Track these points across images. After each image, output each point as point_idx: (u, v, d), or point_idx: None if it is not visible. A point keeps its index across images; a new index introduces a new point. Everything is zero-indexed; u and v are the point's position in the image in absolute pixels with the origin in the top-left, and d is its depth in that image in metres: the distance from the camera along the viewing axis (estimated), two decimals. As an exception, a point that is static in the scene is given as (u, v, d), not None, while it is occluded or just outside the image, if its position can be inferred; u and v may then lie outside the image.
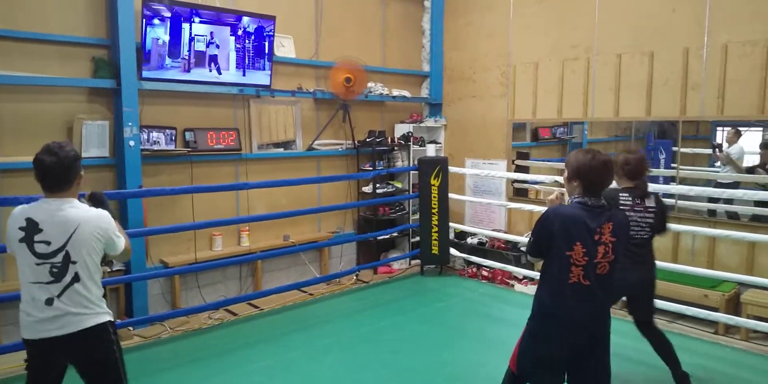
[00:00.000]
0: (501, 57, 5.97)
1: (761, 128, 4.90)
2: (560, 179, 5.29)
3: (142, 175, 4.26)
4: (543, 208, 4.66)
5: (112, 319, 2.30)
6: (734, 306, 4.24)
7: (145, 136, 4.41)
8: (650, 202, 3.11)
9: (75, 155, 2.23)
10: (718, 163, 5.01)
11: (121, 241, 2.30)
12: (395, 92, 6.21)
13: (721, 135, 5.06)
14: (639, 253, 3.09)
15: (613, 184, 3.45)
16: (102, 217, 2.26)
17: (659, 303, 3.29)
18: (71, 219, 2.17)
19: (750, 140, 4.95)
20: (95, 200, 2.42)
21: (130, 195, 4.05)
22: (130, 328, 4.11)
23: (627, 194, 3.09)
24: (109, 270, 4.07)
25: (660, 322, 4.11)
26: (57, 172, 2.16)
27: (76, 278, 2.17)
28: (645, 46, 4.86)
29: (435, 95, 6.60)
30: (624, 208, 3.05)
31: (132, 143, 4.20)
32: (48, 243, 2.15)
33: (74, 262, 2.16)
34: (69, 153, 2.20)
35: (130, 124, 4.18)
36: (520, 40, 5.80)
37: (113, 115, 4.27)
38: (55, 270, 2.15)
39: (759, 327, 3.83)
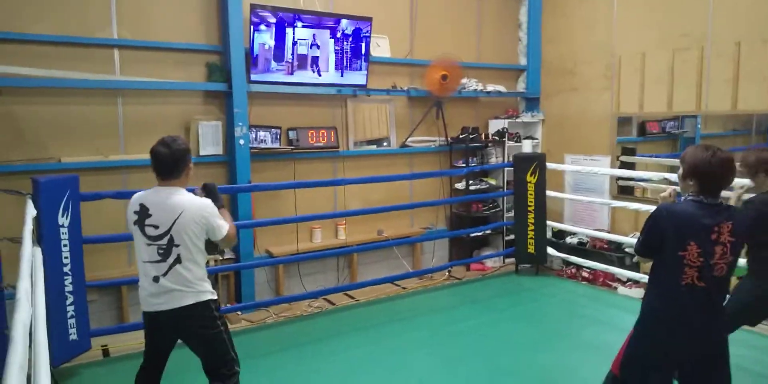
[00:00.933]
0: (604, 48, 5.70)
1: None
2: (670, 176, 4.96)
3: (250, 172, 4.56)
4: (651, 207, 4.42)
5: (215, 298, 2.49)
6: None
7: (253, 135, 4.70)
8: None
9: (185, 148, 2.47)
10: None
11: (224, 229, 2.48)
12: (490, 87, 6.14)
13: None
14: None
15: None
16: (205, 206, 2.45)
17: None
18: (177, 206, 2.39)
19: None
20: (207, 190, 2.65)
21: (240, 190, 4.37)
22: (239, 313, 4.43)
23: None
24: (220, 258, 4.42)
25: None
26: (168, 162, 2.41)
27: (178, 260, 2.39)
28: (765, 32, 4.43)
29: (532, 89, 6.44)
30: None
31: (242, 142, 4.51)
32: (156, 227, 2.40)
33: (177, 245, 2.39)
34: (180, 146, 2.44)
35: (240, 124, 4.49)
36: (625, 30, 5.50)
37: (225, 116, 4.60)
38: (161, 251, 2.39)
39: None
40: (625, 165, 5.60)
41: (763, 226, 2.82)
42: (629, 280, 5.00)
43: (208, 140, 4.52)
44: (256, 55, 4.56)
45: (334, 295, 4.87)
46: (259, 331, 4.23)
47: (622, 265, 5.14)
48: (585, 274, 5.40)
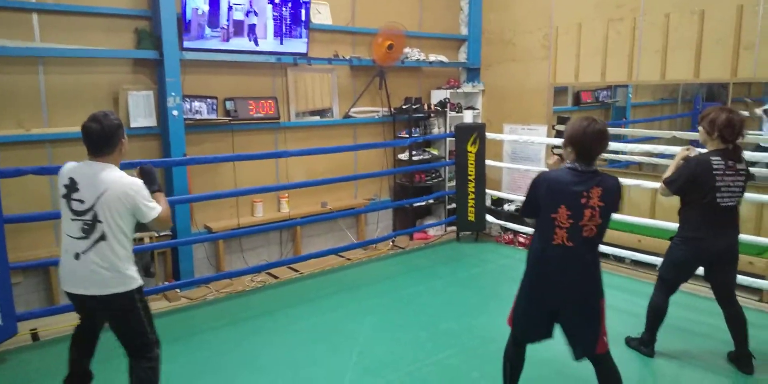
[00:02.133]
0: (543, 18, 5.77)
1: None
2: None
3: (186, 144, 4.40)
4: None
5: (141, 283, 2.44)
6: (781, 274, 4.13)
7: (188, 106, 4.52)
8: (741, 165, 2.96)
9: (118, 124, 2.41)
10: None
11: (153, 211, 2.41)
12: (432, 57, 6.12)
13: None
14: (728, 219, 2.98)
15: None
16: (131, 184, 2.37)
17: (700, 270, 3.22)
18: (103, 182, 2.32)
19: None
20: (143, 173, 2.58)
21: (175, 163, 4.21)
22: (178, 290, 4.34)
23: (719, 157, 2.91)
24: (156, 235, 4.28)
25: (700, 289, 4.07)
26: (100, 138, 2.34)
27: (102, 237, 2.32)
28: (695, 4, 4.61)
29: (473, 60, 6.47)
30: (717, 173, 2.89)
31: (175, 113, 4.32)
32: (81, 201, 2.33)
33: (100, 222, 2.32)
34: (113, 121, 2.38)
35: (173, 94, 4.29)
36: (563, 0, 5.57)
37: (157, 86, 4.38)
38: (85, 227, 2.32)
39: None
40: (560, 134, 5.77)
41: (693, 185, 2.95)
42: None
43: (140, 111, 4.30)
44: (189, 20, 4.33)
45: (277, 269, 4.84)
46: (199, 307, 4.17)
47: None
48: (521, 240, 5.62)
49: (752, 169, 4.43)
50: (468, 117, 6.23)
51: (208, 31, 4.46)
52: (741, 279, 3.90)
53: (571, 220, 2.23)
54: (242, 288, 4.50)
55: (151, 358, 2.46)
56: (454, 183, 5.85)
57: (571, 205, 2.23)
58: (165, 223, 2.51)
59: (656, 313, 3.22)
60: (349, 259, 5.23)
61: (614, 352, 2.47)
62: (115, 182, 2.34)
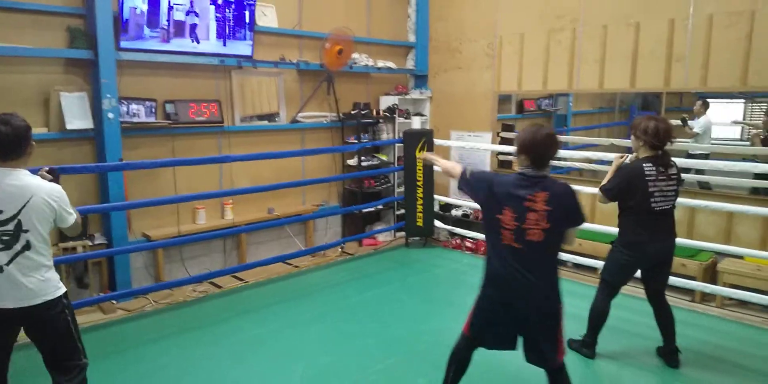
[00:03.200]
0: (487, 28, 5.89)
1: (743, 100, 4.93)
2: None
3: (122, 149, 4.20)
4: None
5: (65, 290, 2.32)
6: (711, 274, 4.35)
7: (125, 109, 4.33)
8: (672, 170, 3.07)
9: (27, 125, 2.26)
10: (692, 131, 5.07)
11: (72, 216, 2.33)
12: (380, 63, 6.13)
13: (695, 107, 5.10)
14: (662, 223, 3.08)
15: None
16: (56, 189, 2.28)
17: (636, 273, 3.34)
18: (25, 189, 2.18)
19: (731, 112, 5.00)
20: (53, 174, 2.43)
21: (110, 168, 4.00)
22: (114, 302, 4.11)
23: (650, 164, 3.02)
24: (90, 244, 4.05)
25: (637, 291, 4.22)
26: (10, 140, 2.18)
27: (27, 246, 2.19)
28: (631, 17, 4.81)
29: (420, 66, 6.53)
30: (649, 179, 2.99)
31: (111, 115, 4.13)
32: (0, 211, 2.16)
33: (26, 231, 2.18)
34: (21, 123, 2.23)
35: (108, 95, 4.10)
36: (507, 10, 5.71)
37: (91, 87, 4.17)
38: (6, 238, 2.17)
39: (734, 295, 3.95)
40: (504, 141, 5.90)
41: (628, 192, 3.05)
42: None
43: (75, 113, 4.08)
44: (126, 19, 4.15)
45: (221, 278, 4.68)
46: (136, 320, 3.97)
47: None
48: (468, 244, 5.68)
49: (686, 175, 4.71)
50: (416, 123, 6.28)
51: (147, 31, 4.30)
52: (674, 280, 4.08)
53: (516, 222, 2.25)
54: (183, 298, 4.32)
55: (80, 368, 2.33)
56: (402, 189, 5.85)
57: (515, 208, 2.25)
58: (79, 228, 2.43)
59: (598, 316, 3.30)
60: (296, 267, 5.13)
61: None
62: (39, 189, 2.21)
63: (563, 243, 2.34)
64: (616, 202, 3.18)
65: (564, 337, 2.39)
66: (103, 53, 4.04)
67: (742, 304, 4.12)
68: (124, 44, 4.18)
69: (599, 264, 4.01)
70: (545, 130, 2.30)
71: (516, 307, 2.31)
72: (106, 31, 4.04)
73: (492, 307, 2.38)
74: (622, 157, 3.31)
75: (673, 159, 3.15)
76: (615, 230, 3.28)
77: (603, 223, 4.62)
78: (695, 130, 5.00)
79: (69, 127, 3.98)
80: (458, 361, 2.55)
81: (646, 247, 3.09)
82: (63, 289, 2.31)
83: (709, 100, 5.06)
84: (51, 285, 2.26)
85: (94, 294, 4.14)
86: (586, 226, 4.54)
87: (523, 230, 2.25)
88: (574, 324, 3.58)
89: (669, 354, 3.26)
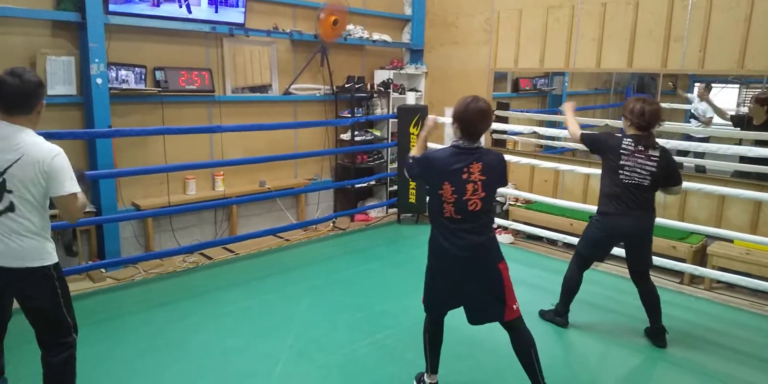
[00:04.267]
0: (485, 2, 5.78)
1: (737, 85, 4.92)
2: (540, 130, 5.29)
3: (111, 115, 4.10)
4: (521, 158, 4.75)
5: (56, 261, 2.21)
6: (701, 257, 4.40)
7: (114, 74, 4.23)
8: (654, 152, 3.09)
9: (39, 81, 2.17)
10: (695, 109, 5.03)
11: (69, 186, 2.13)
12: (375, 36, 6.01)
13: (696, 91, 5.07)
14: (639, 198, 3.10)
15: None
16: (52, 150, 2.11)
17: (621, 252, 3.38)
18: (19, 147, 2.07)
19: (727, 98, 4.98)
20: (83, 180, 2.28)
21: (98, 135, 3.91)
22: (103, 271, 4.08)
23: (631, 140, 3.09)
24: (79, 211, 3.98)
25: (624, 271, 4.27)
26: (19, 94, 2.10)
27: (10, 208, 2.09)
28: (631, -5, 4.75)
29: (416, 41, 6.42)
30: (624, 153, 3.07)
31: (99, 81, 4.02)
32: None
33: (9, 192, 2.08)
34: (33, 78, 2.14)
35: (96, 60, 3.98)
36: (506, -16, 5.61)
37: (79, 51, 4.05)
38: None
39: (723, 277, 3.98)
40: (499, 119, 5.86)
41: (600, 145, 3.20)
42: (499, 226, 5.35)
43: (59, 78, 3.97)
44: (115, -19, 4.01)
45: (211, 249, 4.65)
46: (126, 288, 3.95)
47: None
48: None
49: (681, 159, 4.72)
50: (411, 99, 6.21)
51: (137, -6, 4.16)
52: (664, 262, 4.14)
53: (455, 195, 2.32)
54: (173, 269, 4.30)
55: (66, 345, 2.25)
56: (396, 165, 5.81)
57: (454, 182, 2.32)
58: (75, 212, 2.20)
59: (569, 286, 3.40)
60: (287, 240, 5.11)
61: (533, 325, 2.57)
62: (33, 149, 2.08)
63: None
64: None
65: (513, 291, 2.47)
66: (91, 16, 3.91)
67: (730, 287, 4.17)
68: (112, 7, 4.05)
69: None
70: (479, 103, 2.34)
71: (459, 273, 2.40)
72: (95, -8, 3.90)
73: (437, 280, 2.48)
74: (571, 105, 3.54)
75: (662, 145, 3.18)
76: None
77: (594, 203, 4.63)
78: (708, 115, 4.94)
79: (50, 92, 3.87)
80: (428, 334, 2.63)
81: (615, 220, 3.14)
82: (49, 261, 2.17)
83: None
84: (33, 252, 2.13)
85: (82, 262, 4.09)
86: (578, 205, 4.62)
87: (464, 202, 2.33)
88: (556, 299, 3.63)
89: (655, 334, 3.31)
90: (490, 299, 2.43)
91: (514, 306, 2.45)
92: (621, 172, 3.09)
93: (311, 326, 3.41)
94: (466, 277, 2.40)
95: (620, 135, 3.19)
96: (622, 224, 3.13)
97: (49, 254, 2.19)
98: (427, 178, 2.44)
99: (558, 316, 3.48)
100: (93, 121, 4.02)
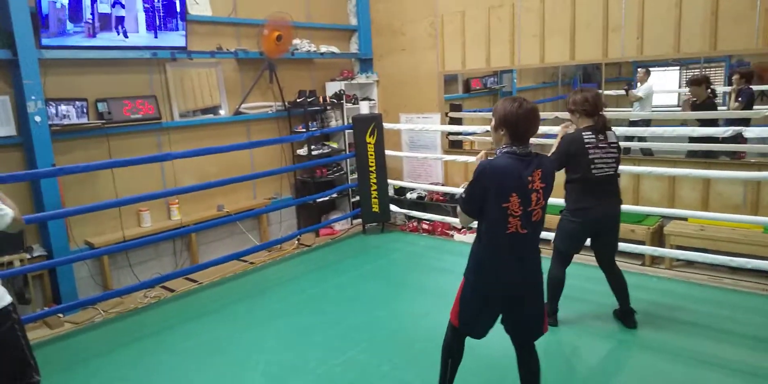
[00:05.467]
0: (428, 7, 5.82)
1: (678, 67, 5.06)
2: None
3: (54, 153, 3.96)
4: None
5: (11, 300, 2.12)
6: (659, 238, 4.49)
7: (53, 110, 4.09)
8: (612, 138, 3.18)
9: None
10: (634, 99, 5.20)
11: (6, 217, 2.10)
12: (323, 48, 5.99)
13: (637, 76, 5.21)
14: (605, 189, 3.17)
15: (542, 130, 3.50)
16: None
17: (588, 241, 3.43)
18: None
19: (669, 79, 5.13)
20: None
21: (42, 175, 3.78)
22: (60, 315, 3.92)
23: (590, 133, 3.14)
24: (28, 256, 3.83)
25: (589, 259, 4.32)
26: None
27: None
28: (566, -11, 4.84)
29: (364, 50, 6.41)
30: (589, 146, 3.10)
31: (38, 118, 3.88)
32: None
33: None
34: None
35: (33, 97, 3.85)
36: (445, -12, 5.66)
37: (13, 90, 3.91)
38: None
39: (681, 256, 4.09)
40: (453, 121, 5.89)
41: (571, 160, 3.17)
42: (463, 227, 5.37)
43: (-6, 119, 3.83)
44: (46, 14, 3.89)
45: (173, 281, 4.52)
46: (86, 332, 3.80)
47: (456, 214, 5.49)
48: (425, 226, 5.70)
49: (629, 144, 4.83)
50: (364, 108, 6.19)
51: (70, 26, 4.04)
52: (624, 246, 4.20)
53: (522, 207, 2.14)
54: (134, 306, 4.15)
55: None
56: (356, 175, 5.78)
57: (521, 193, 2.14)
58: (20, 222, 2.17)
59: (555, 284, 3.40)
60: (252, 264, 5.01)
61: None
62: None
63: None
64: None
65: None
66: (23, 52, 3.79)
67: (690, 264, 4.29)
68: (45, 41, 3.92)
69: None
70: (528, 104, 2.18)
71: (514, 290, 2.27)
72: (24, 27, 3.77)
73: (487, 301, 2.30)
74: (566, 127, 3.40)
75: (613, 128, 3.26)
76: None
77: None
78: (638, 93, 5.12)
79: (-12, 134, 3.73)
80: (452, 352, 2.48)
81: (590, 212, 3.19)
82: (7, 299, 2.08)
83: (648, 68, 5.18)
84: None
85: (37, 309, 3.93)
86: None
87: (529, 213, 2.17)
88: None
89: (625, 315, 3.39)
90: (536, 315, 2.33)
91: (547, 320, 2.40)
92: (593, 166, 3.13)
93: (282, 350, 3.34)
94: (520, 292, 2.27)
95: (572, 133, 3.22)
96: (597, 215, 3.19)
97: (5, 293, 2.10)
98: (487, 192, 2.15)
99: (547, 316, 3.45)
100: (35, 160, 3.88)
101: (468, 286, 2.33)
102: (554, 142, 3.37)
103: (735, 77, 4.54)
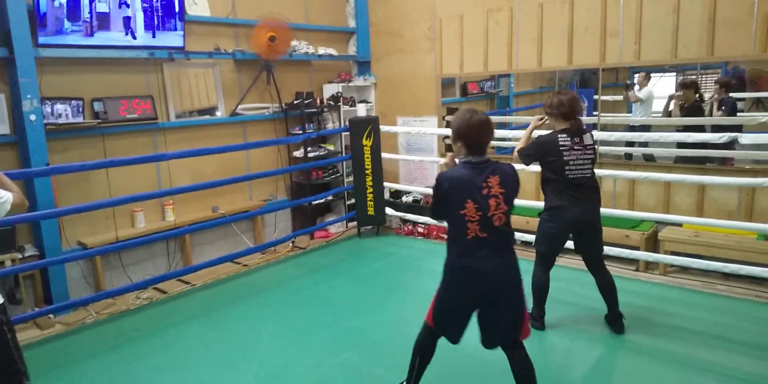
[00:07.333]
0: (427, 10, 5.83)
1: (674, 74, 5.08)
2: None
3: (48, 152, 3.94)
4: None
5: (2, 301, 2.10)
6: (653, 243, 4.49)
7: (49, 109, 4.06)
8: (588, 140, 3.20)
9: None
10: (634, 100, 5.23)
11: (5, 203, 2.09)
12: (321, 50, 5.98)
13: (637, 79, 5.24)
14: (582, 190, 3.18)
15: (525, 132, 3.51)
16: None
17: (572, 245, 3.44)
18: None
19: (664, 86, 5.15)
20: None
21: (35, 174, 3.75)
22: (51, 316, 3.89)
23: (565, 135, 3.16)
24: (20, 256, 3.80)
25: (582, 263, 4.32)
26: None
27: None
28: (565, -6, 4.85)
29: (363, 52, 6.41)
30: (564, 148, 3.13)
31: (33, 117, 3.86)
32: None
33: None
34: None
35: (29, 96, 3.83)
36: (445, -9, 5.66)
37: (9, 88, 3.89)
38: None
39: (675, 261, 4.10)
40: (449, 125, 5.88)
41: (542, 158, 3.22)
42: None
43: (-12, 118, 3.80)
44: (44, 13, 3.87)
45: (166, 283, 4.49)
46: (77, 333, 3.76)
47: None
48: (420, 230, 5.69)
49: (628, 149, 4.85)
50: (361, 111, 6.19)
51: (68, 24, 4.03)
52: (618, 251, 4.21)
53: (479, 212, 2.24)
54: (126, 307, 4.12)
55: None
56: (352, 178, 5.77)
57: (477, 199, 2.24)
58: (22, 206, 2.17)
59: (540, 288, 3.40)
60: (245, 266, 4.98)
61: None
62: None
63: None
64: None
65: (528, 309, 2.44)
66: (20, 50, 3.77)
67: (684, 269, 4.29)
68: (42, 40, 3.90)
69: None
70: (479, 116, 2.29)
71: (486, 294, 2.31)
72: (21, 26, 3.76)
73: (458, 303, 2.37)
74: (540, 120, 3.43)
75: (591, 132, 3.30)
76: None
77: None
78: (639, 95, 5.15)
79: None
80: (423, 351, 2.55)
81: (564, 212, 3.20)
82: None
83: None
84: None
85: (28, 310, 3.90)
86: (532, 203, 4.65)
87: (488, 218, 2.25)
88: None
89: (613, 320, 3.38)
90: (506, 319, 2.36)
91: (528, 324, 2.42)
92: (566, 168, 3.15)
93: (277, 352, 3.32)
94: (489, 295, 2.32)
95: (548, 135, 3.25)
96: (572, 214, 3.19)
97: None
98: (447, 201, 2.29)
99: (534, 319, 3.44)
100: (29, 159, 3.86)
101: (441, 287, 2.43)
102: (525, 131, 3.45)
103: (715, 87, 4.64)
